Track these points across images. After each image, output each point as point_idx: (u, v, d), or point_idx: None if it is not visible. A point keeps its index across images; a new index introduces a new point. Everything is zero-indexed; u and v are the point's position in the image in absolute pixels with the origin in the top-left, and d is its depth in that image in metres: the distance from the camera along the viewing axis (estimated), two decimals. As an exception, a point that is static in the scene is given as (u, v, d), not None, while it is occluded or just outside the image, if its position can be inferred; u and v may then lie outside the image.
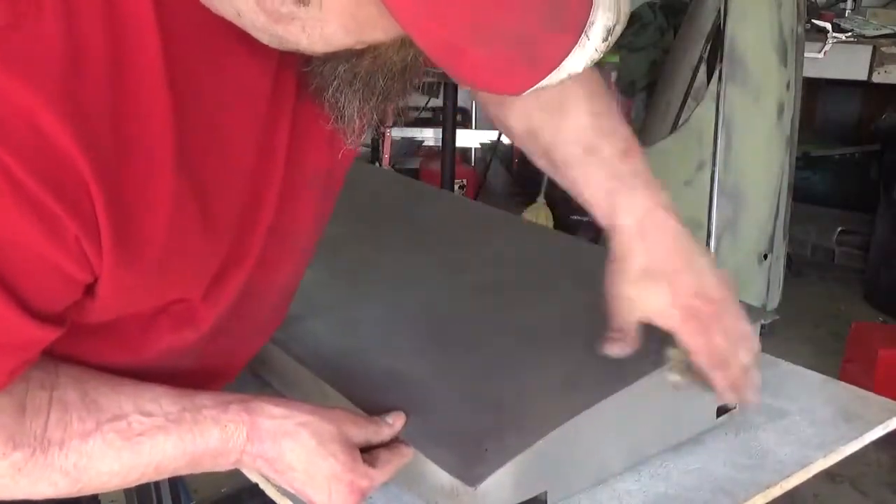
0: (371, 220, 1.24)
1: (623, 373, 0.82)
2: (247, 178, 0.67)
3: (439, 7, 0.48)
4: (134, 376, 0.71)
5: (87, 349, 0.69)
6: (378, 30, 0.54)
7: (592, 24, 0.51)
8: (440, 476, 0.76)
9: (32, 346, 0.62)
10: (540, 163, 0.89)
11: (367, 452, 0.75)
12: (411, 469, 0.78)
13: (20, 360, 0.61)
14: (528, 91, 0.53)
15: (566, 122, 0.85)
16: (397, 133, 3.60)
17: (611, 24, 0.52)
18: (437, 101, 3.69)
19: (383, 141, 3.46)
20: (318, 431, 0.73)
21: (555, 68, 0.52)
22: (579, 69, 0.53)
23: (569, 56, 0.52)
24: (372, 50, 0.57)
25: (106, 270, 0.59)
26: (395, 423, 0.78)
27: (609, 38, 0.53)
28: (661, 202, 0.82)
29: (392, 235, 1.20)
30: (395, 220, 1.25)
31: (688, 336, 0.80)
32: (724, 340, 0.80)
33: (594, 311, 0.95)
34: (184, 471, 0.71)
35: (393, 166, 3.47)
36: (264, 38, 0.57)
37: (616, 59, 3.30)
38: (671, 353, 0.83)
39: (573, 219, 3.47)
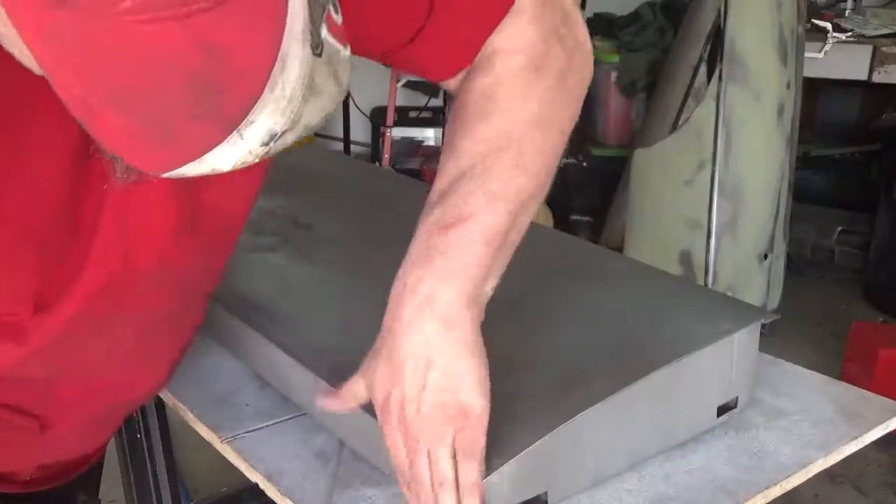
0: (371, 220, 1.24)
1: (623, 373, 0.82)
2: (58, 196, 0.65)
3: (74, 61, 0.43)
4: None
5: None
6: None
7: (251, 123, 0.47)
8: (440, 476, 0.76)
9: None
10: None
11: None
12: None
13: None
14: (171, 174, 0.49)
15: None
16: (397, 133, 3.59)
17: (278, 129, 0.48)
18: (438, 101, 3.69)
19: (383, 141, 3.46)
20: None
21: (194, 159, 0.48)
22: (226, 167, 0.49)
23: (213, 151, 0.47)
24: None
25: None
26: None
27: (272, 143, 0.48)
28: (444, 290, 0.71)
29: (392, 235, 1.19)
30: (394, 220, 1.25)
31: (384, 424, 0.72)
32: (429, 458, 0.70)
33: (594, 311, 0.95)
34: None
35: (393, 166, 3.46)
36: None
37: (616, 59, 3.30)
38: None
39: (573, 219, 3.47)
